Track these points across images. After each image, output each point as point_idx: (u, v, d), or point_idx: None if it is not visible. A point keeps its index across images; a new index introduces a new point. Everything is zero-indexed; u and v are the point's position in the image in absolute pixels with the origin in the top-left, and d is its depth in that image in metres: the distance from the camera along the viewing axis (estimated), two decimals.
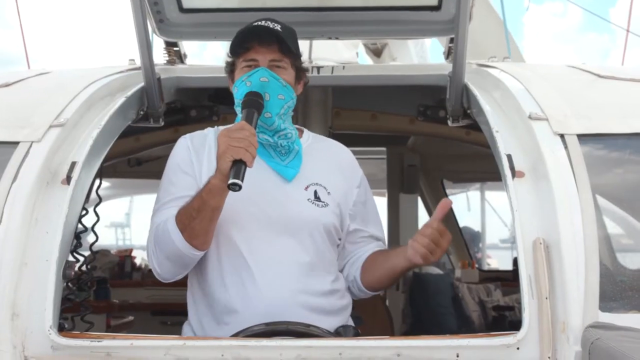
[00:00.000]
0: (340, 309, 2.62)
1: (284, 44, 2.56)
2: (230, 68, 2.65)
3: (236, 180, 2.26)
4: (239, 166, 2.29)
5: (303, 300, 2.48)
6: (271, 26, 2.57)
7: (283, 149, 2.60)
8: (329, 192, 2.61)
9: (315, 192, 2.59)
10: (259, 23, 2.59)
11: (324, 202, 2.58)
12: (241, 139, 2.30)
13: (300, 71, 2.67)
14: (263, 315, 2.40)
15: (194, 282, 2.61)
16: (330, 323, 2.50)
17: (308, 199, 2.57)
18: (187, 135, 2.70)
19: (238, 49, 2.60)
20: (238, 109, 2.57)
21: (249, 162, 2.30)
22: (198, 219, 2.38)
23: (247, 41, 2.57)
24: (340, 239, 2.68)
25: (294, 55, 2.63)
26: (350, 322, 2.65)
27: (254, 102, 2.48)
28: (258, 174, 2.48)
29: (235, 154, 2.28)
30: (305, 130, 2.80)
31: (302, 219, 2.55)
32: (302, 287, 2.49)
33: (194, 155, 2.61)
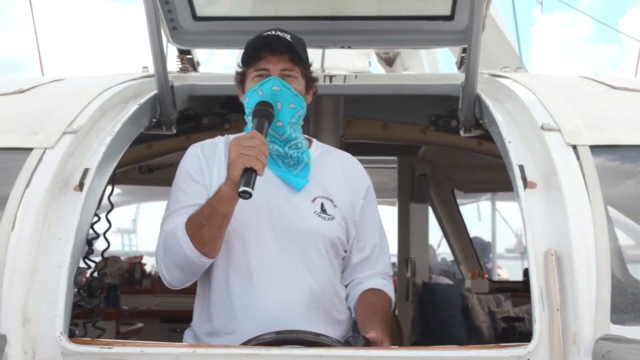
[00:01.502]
0: (342, 321, 2.63)
1: (294, 53, 2.58)
2: (241, 78, 2.67)
3: (247, 188, 2.27)
4: (249, 174, 2.30)
5: (305, 312, 2.49)
6: (281, 35, 2.59)
7: (292, 160, 2.61)
8: (335, 205, 2.61)
9: (322, 205, 2.59)
10: (269, 33, 2.60)
11: (330, 215, 2.59)
12: (252, 148, 2.32)
13: (310, 81, 2.68)
14: (264, 326, 2.41)
15: (200, 289, 2.62)
16: (333, 334, 2.49)
17: (315, 212, 2.58)
18: (198, 143, 2.71)
19: (250, 59, 2.61)
20: (249, 119, 2.58)
21: (260, 170, 2.31)
22: (208, 226, 2.39)
23: (259, 51, 2.58)
24: (345, 251, 2.67)
25: (305, 64, 2.64)
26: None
27: (265, 112, 2.49)
28: (265, 183, 2.48)
29: (247, 162, 2.30)
30: (314, 141, 2.81)
31: (308, 232, 2.56)
32: (305, 299, 2.50)
33: (205, 163, 2.62)
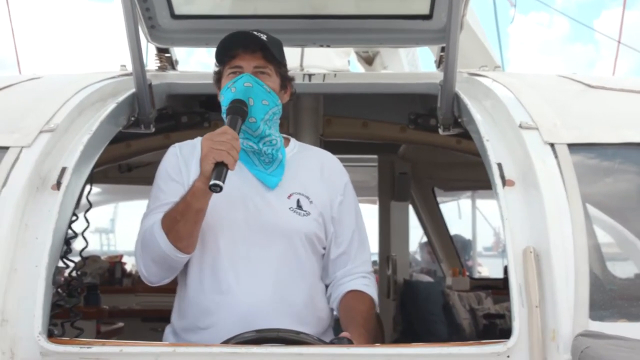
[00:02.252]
0: (319, 319, 2.63)
1: (267, 51, 2.60)
2: (217, 77, 2.69)
3: (217, 182, 2.30)
4: (220, 168, 2.33)
5: (280, 308, 2.50)
6: (255, 33, 2.61)
7: (267, 157, 2.62)
8: (311, 201, 2.62)
9: (298, 201, 2.61)
10: (243, 31, 2.62)
11: (305, 211, 2.60)
12: (223, 142, 2.35)
13: (285, 80, 2.69)
14: (239, 321, 2.43)
15: (179, 285, 2.65)
16: (309, 330, 2.48)
17: (290, 208, 2.59)
18: (177, 144, 2.73)
19: (223, 57, 2.64)
20: (224, 116, 2.58)
21: (231, 164, 2.34)
22: (182, 221, 2.41)
23: (232, 49, 2.61)
24: (324, 248, 2.68)
25: (279, 62, 2.66)
26: (331, 333, 2.65)
27: (238, 109, 2.52)
28: (241, 181, 2.54)
29: (218, 156, 2.33)
30: (292, 140, 2.83)
31: (282, 227, 2.57)
32: (280, 295, 2.51)
33: (183, 163, 2.64)
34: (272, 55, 2.61)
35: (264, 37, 2.60)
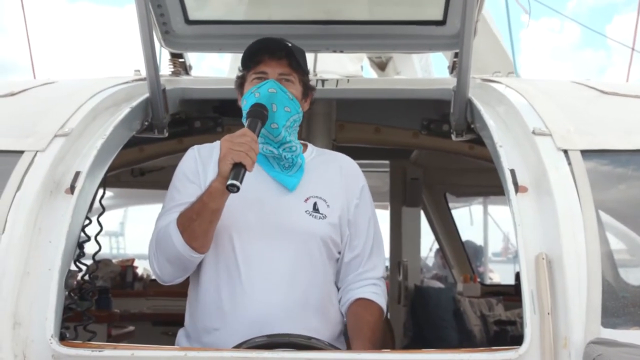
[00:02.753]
0: (332, 323, 2.62)
1: (293, 59, 2.63)
2: (240, 82, 2.71)
3: (234, 182, 2.31)
4: (238, 169, 2.34)
5: (292, 310, 2.50)
6: (282, 40, 2.64)
7: (287, 162, 2.62)
8: (328, 205, 2.62)
9: (315, 204, 2.61)
10: (270, 37, 2.65)
11: (322, 214, 2.60)
12: (242, 144, 2.36)
13: (307, 88, 2.72)
14: (252, 323, 2.44)
15: (191, 287, 2.65)
16: (321, 334, 2.49)
17: (306, 211, 2.59)
18: (195, 146, 2.75)
19: (249, 62, 2.66)
20: (244, 121, 2.59)
21: (249, 165, 2.35)
22: (198, 221, 2.42)
23: (258, 54, 2.63)
24: (339, 253, 2.68)
25: (303, 71, 2.68)
26: (342, 338, 2.65)
27: (258, 113, 2.53)
28: (259, 183, 2.55)
29: (236, 157, 2.34)
30: (310, 145, 2.83)
31: (298, 230, 2.57)
32: (293, 298, 2.51)
33: (201, 165, 2.65)
34: (297, 62, 2.64)
35: (288, 43, 2.63)
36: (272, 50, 2.62)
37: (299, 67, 2.66)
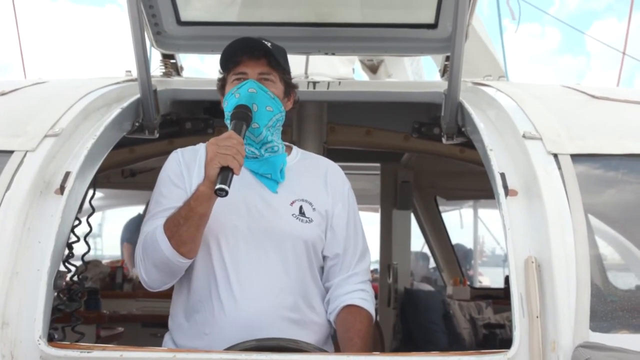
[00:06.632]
0: (320, 324, 2.62)
1: (272, 58, 2.61)
2: (222, 84, 2.70)
3: (223, 186, 2.30)
4: (226, 173, 2.33)
5: (281, 314, 2.50)
6: (259, 40, 2.62)
7: (268, 163, 2.62)
8: (314, 208, 2.62)
9: (301, 208, 2.61)
10: (247, 37, 2.63)
11: (308, 217, 2.60)
12: (229, 147, 2.35)
13: (289, 87, 2.71)
14: (241, 327, 2.43)
15: (178, 291, 2.63)
16: (309, 338, 2.49)
17: (292, 214, 2.59)
18: (179, 150, 2.73)
19: (228, 64, 2.65)
20: (228, 122, 2.59)
21: (236, 169, 2.34)
22: (185, 226, 2.40)
23: (237, 55, 2.62)
24: (325, 256, 2.67)
25: (283, 69, 2.67)
26: (330, 341, 2.65)
27: (243, 114, 2.52)
28: (244, 186, 2.53)
29: (223, 160, 2.33)
30: (295, 147, 2.83)
31: (285, 233, 2.57)
32: (281, 301, 2.51)
33: (185, 168, 2.64)
34: (276, 61, 2.62)
35: (268, 44, 2.62)
36: (250, 50, 2.61)
37: (279, 66, 2.64)
